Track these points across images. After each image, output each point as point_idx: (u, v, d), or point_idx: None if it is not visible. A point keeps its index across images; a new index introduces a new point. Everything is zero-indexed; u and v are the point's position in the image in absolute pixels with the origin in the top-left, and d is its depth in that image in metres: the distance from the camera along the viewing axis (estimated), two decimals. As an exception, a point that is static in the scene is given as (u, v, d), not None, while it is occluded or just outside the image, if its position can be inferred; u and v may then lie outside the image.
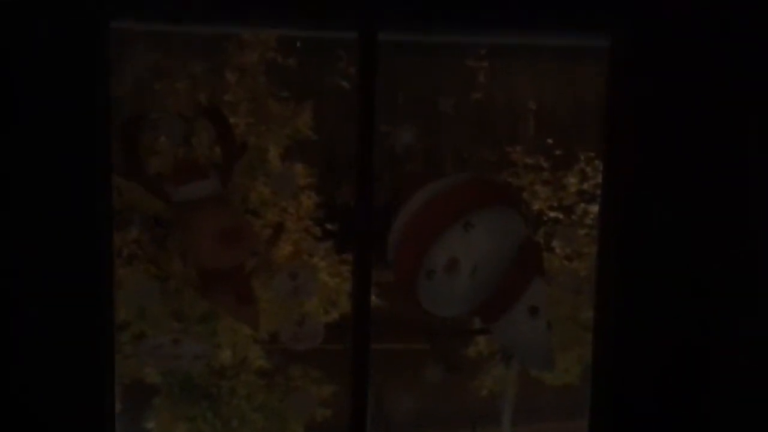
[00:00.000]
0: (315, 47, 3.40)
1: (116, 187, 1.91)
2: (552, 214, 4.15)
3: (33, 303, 1.87)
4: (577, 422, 3.24)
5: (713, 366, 2.00)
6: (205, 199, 1.90)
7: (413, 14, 1.96)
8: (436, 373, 2.02)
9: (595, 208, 4.01)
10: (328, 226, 3.93)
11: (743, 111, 1.95)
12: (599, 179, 2.85)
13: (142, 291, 2.06)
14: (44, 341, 1.88)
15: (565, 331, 3.73)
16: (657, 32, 1.92)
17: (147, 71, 3.28)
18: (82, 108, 1.85)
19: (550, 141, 4.03)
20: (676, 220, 1.96)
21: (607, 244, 1.98)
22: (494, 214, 1.88)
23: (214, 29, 2.40)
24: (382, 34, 1.93)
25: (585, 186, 4.21)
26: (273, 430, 3.77)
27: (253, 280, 1.94)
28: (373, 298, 1.96)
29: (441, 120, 2.96)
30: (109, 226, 1.89)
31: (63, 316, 1.88)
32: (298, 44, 3.40)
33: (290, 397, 3.56)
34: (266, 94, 3.95)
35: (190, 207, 1.88)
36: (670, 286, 1.97)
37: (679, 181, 1.95)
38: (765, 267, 1.97)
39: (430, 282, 1.85)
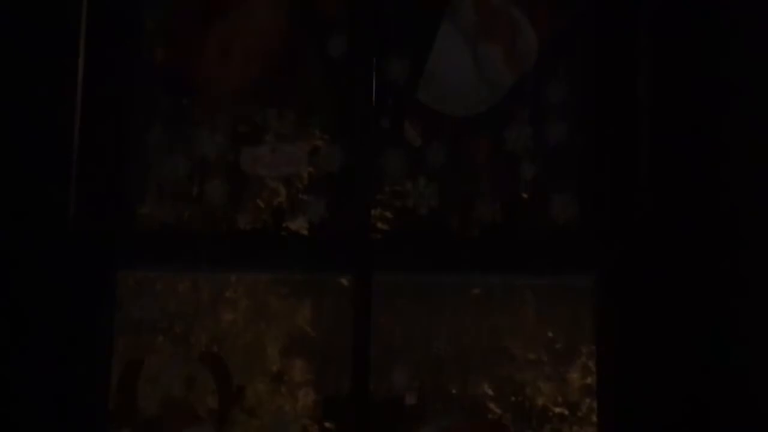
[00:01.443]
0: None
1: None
2: (557, 410, 4.04)
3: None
4: None
5: None
6: None
7: (408, 257, 2.04)
8: None
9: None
10: (327, 424, 3.82)
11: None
12: None
13: None
14: None
15: None
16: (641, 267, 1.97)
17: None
18: (84, 351, 1.84)
19: (550, 334, 3.98)
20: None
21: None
22: None
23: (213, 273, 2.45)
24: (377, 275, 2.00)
25: (589, 380, 4.12)
26: None
27: None
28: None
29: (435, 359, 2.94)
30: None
31: None
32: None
33: None
34: (266, 290, 3.92)
35: None
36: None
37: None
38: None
39: None
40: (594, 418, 4.09)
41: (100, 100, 2.13)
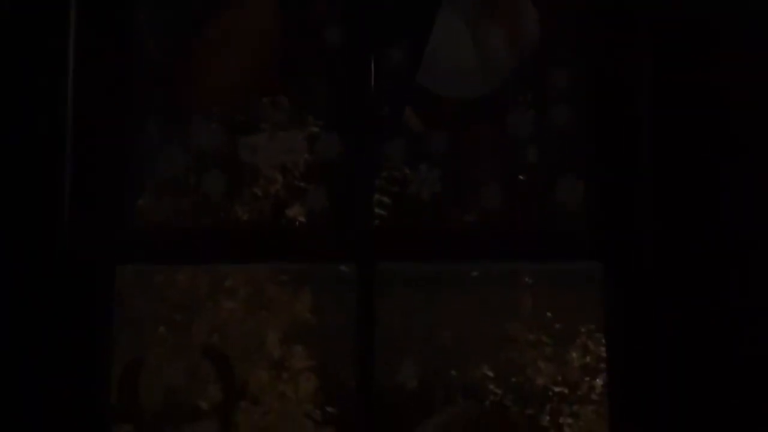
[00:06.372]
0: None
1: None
2: (557, 390, 3.99)
3: None
4: None
5: None
6: None
7: (409, 245, 1.99)
8: None
9: (599, 383, 3.87)
10: (329, 410, 3.75)
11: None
12: (602, 352, 2.80)
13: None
14: None
15: None
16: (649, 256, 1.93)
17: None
18: (85, 347, 1.81)
19: (549, 314, 3.91)
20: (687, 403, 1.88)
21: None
22: None
23: (212, 266, 2.37)
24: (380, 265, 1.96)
25: (588, 360, 4.06)
26: None
27: None
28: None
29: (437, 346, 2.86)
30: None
31: None
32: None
33: None
34: (265, 279, 3.84)
35: None
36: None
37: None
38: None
39: None
40: (594, 397, 4.06)
41: (92, 93, 2.03)
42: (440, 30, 2.08)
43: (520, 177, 2.09)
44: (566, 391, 3.96)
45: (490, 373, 3.17)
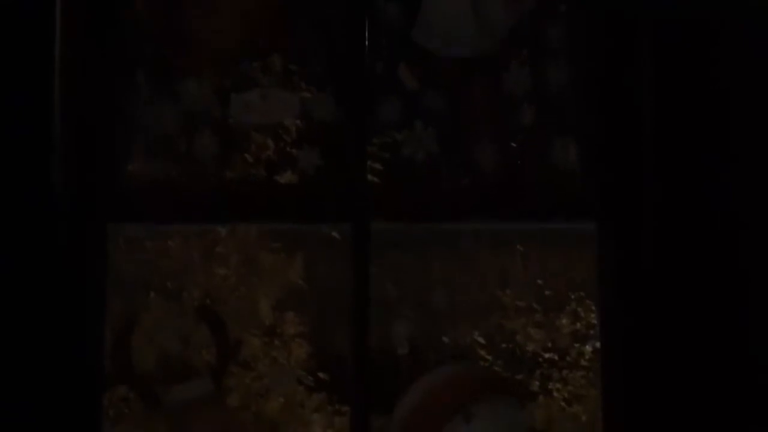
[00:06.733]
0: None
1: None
2: (547, 356, 4.00)
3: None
4: None
5: None
6: (197, 401, 1.77)
7: (403, 206, 1.98)
8: None
9: (589, 349, 3.89)
10: (321, 375, 3.74)
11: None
12: (591, 319, 2.81)
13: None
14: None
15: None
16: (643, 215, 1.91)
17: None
18: (77, 308, 1.78)
19: (539, 281, 3.92)
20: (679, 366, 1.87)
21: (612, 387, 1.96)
22: (495, 405, 1.83)
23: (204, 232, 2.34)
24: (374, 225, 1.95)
25: (578, 326, 4.07)
26: None
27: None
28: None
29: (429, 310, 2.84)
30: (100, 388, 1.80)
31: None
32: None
33: None
34: (257, 245, 3.81)
35: (181, 410, 1.75)
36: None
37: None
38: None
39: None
40: (583, 363, 4.07)
41: (80, 51, 1.99)
42: None
43: (516, 136, 2.06)
44: (556, 357, 3.98)
45: (481, 339, 3.17)
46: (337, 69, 2.10)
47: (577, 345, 4.25)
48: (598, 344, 2.29)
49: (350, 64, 2.03)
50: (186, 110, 2.14)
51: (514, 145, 2.07)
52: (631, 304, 1.94)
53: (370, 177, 2.08)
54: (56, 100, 2.01)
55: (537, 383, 2.90)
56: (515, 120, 2.12)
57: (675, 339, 1.95)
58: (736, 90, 1.89)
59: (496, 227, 2.19)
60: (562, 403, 3.39)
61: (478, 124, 2.06)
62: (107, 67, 2.09)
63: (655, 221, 1.90)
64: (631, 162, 1.97)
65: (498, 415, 1.74)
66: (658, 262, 1.93)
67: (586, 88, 2.04)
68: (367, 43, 2.03)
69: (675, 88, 1.99)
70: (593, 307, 2.74)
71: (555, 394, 3.39)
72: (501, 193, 1.99)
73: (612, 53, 2.01)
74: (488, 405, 1.74)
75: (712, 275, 1.95)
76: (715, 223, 1.91)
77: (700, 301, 1.95)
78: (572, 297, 4.29)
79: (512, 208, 1.98)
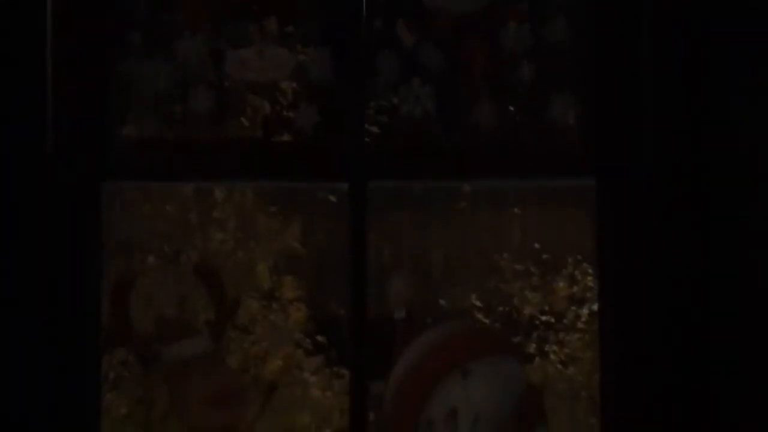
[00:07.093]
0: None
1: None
2: (544, 318, 4.00)
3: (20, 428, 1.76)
4: None
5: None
6: (195, 359, 1.76)
7: (400, 165, 1.97)
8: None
9: (585, 312, 3.90)
10: (319, 338, 3.74)
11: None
12: (588, 282, 2.82)
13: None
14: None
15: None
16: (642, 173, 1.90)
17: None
18: (73, 269, 1.77)
19: (536, 245, 3.91)
20: (674, 326, 1.88)
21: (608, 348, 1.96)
22: (492, 363, 1.84)
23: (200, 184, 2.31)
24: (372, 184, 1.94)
25: (575, 290, 4.08)
26: None
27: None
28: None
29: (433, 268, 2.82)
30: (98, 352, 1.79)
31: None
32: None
33: None
34: (254, 208, 3.79)
35: (179, 367, 1.74)
36: (675, 392, 1.85)
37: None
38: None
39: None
40: (579, 325, 4.09)
41: (73, 13, 1.95)
42: None
43: (515, 93, 2.04)
44: (553, 320, 3.99)
45: (478, 303, 3.17)
46: (335, 27, 2.07)
47: (573, 308, 4.27)
48: (594, 307, 2.28)
49: (348, 21, 2.01)
50: (181, 69, 2.11)
51: (513, 102, 2.05)
52: (630, 263, 1.93)
53: (367, 136, 2.06)
54: (49, 60, 1.98)
55: (534, 346, 2.90)
56: (514, 77, 2.10)
57: (674, 299, 1.94)
58: (737, 41, 1.86)
59: (494, 184, 2.18)
60: (559, 366, 3.41)
61: (476, 81, 2.03)
62: (101, 26, 2.05)
63: (655, 177, 1.88)
64: (631, 118, 1.95)
65: (495, 372, 1.74)
66: (657, 219, 1.92)
67: (585, 44, 2.02)
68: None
69: (675, 42, 1.97)
70: (590, 270, 2.74)
71: (551, 356, 3.40)
72: (500, 150, 1.98)
73: (611, 8, 1.99)
74: (485, 362, 1.74)
75: (713, 233, 1.93)
76: (717, 176, 1.89)
77: (700, 259, 1.94)
78: (569, 261, 4.31)
79: (511, 166, 1.96)
